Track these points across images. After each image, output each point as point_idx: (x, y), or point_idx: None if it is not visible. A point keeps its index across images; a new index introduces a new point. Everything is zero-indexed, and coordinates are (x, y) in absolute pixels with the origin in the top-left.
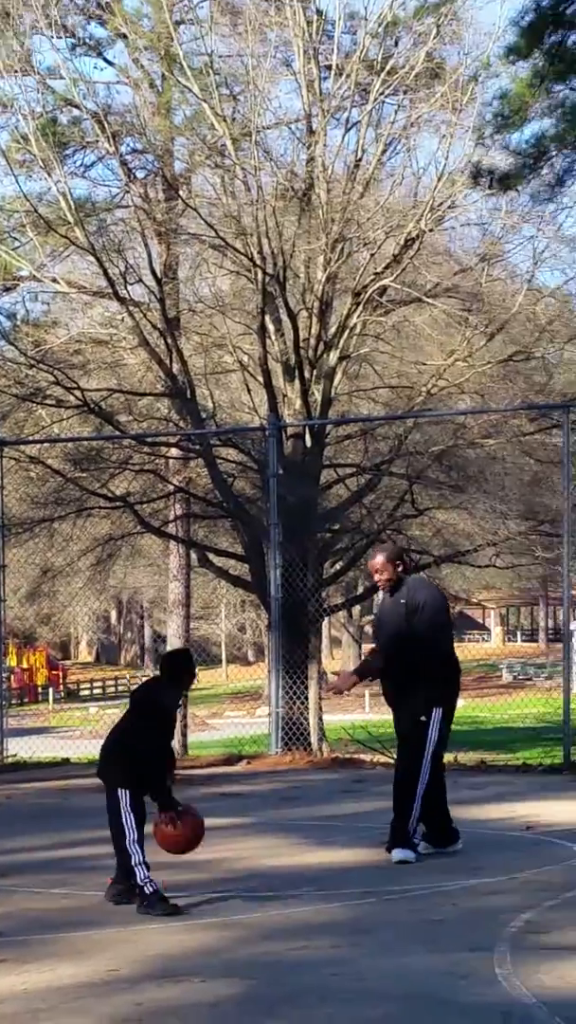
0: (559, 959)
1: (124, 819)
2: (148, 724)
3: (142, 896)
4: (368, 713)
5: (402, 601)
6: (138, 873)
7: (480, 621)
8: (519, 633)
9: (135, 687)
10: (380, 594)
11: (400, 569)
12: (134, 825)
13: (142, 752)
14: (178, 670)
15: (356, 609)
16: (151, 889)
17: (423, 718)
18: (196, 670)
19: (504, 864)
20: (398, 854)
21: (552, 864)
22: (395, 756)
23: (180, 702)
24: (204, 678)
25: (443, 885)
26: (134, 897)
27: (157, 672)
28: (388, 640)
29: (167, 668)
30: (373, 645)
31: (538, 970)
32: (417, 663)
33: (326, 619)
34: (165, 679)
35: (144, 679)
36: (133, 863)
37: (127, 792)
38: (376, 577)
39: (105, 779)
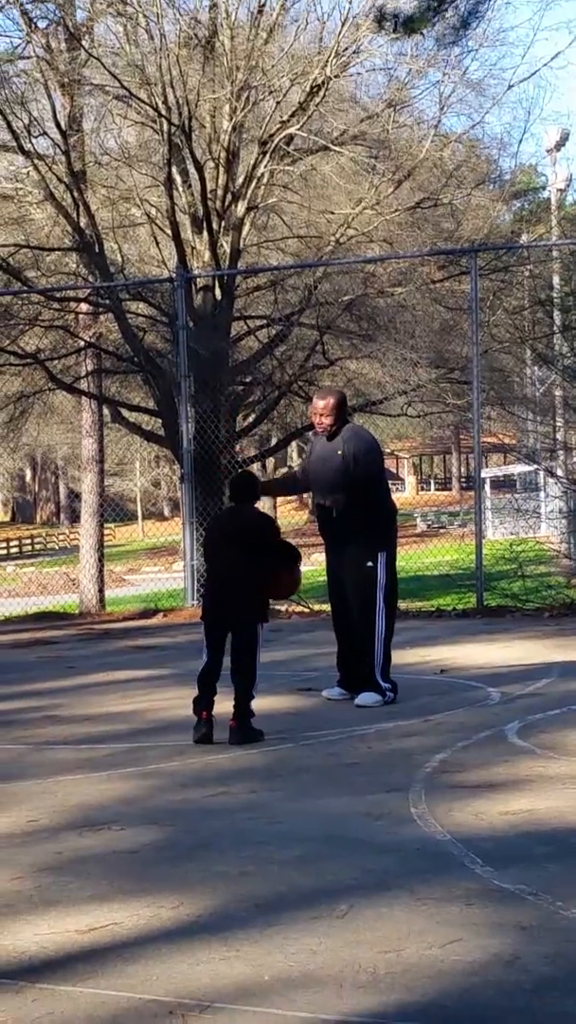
0: (471, 797)
1: (258, 655)
2: (273, 539)
3: (248, 727)
4: None
5: (339, 452)
6: (252, 706)
7: (393, 471)
8: (432, 482)
9: (225, 526)
10: (313, 439)
11: (340, 416)
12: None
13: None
14: (253, 488)
15: (270, 461)
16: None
17: (369, 563)
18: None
19: (418, 707)
20: (363, 698)
21: (465, 706)
22: (309, 604)
23: None
24: (120, 534)
25: (358, 729)
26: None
27: (229, 502)
28: (325, 489)
29: (244, 490)
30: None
31: (451, 808)
32: (356, 511)
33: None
34: (248, 501)
35: (214, 519)
36: (253, 695)
37: (263, 626)
38: (318, 420)
39: (239, 619)
